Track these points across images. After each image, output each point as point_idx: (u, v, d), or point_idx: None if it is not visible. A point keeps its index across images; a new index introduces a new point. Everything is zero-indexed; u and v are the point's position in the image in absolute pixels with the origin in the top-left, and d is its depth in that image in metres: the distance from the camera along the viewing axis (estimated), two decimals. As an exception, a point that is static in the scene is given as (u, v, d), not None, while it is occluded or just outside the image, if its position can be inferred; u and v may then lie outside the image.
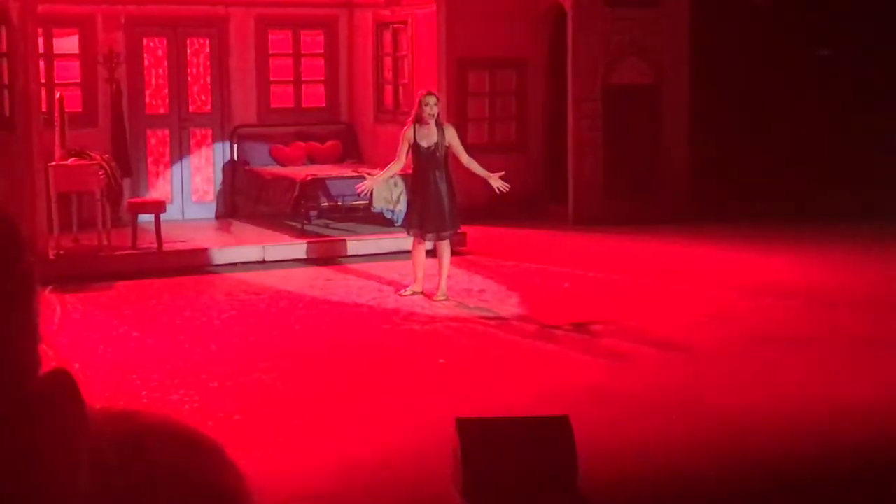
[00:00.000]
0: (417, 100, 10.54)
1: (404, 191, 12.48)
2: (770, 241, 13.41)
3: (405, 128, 10.58)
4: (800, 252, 12.79)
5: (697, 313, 10.09)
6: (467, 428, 5.85)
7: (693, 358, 8.72)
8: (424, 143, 10.39)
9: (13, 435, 0.87)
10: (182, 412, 7.29)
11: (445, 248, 10.63)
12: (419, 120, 10.38)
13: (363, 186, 10.98)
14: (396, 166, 10.70)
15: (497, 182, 10.58)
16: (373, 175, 11.01)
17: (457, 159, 10.57)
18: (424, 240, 10.65)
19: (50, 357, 0.94)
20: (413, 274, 10.83)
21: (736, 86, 15.83)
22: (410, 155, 10.54)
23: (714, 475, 6.45)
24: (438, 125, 10.42)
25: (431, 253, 10.77)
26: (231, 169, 14.61)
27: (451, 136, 10.49)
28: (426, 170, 10.44)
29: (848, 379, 8.10)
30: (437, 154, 10.40)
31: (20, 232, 0.93)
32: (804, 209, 15.03)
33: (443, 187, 10.46)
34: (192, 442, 0.98)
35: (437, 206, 10.47)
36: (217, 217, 14.49)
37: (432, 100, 10.39)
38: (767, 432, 7.02)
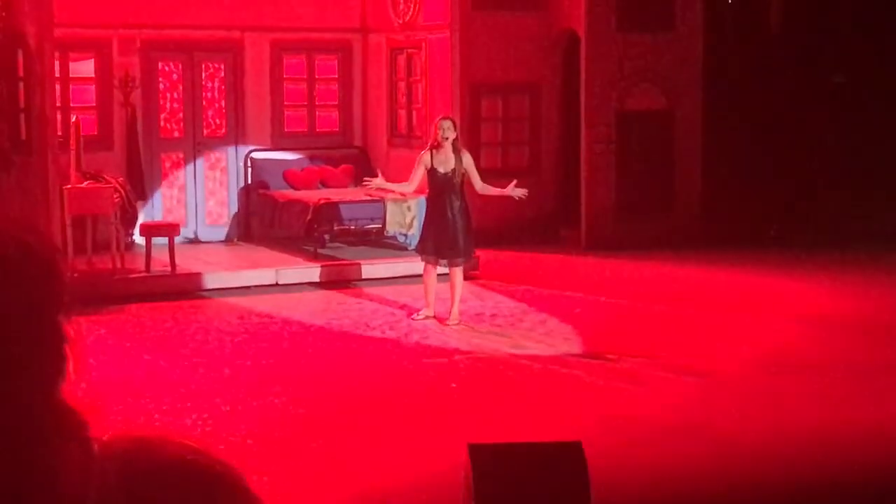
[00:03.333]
0: (434, 124, 10.60)
1: (417, 215, 12.52)
2: (784, 266, 13.38)
3: (423, 151, 10.63)
4: (814, 277, 12.76)
5: (710, 338, 10.07)
6: (479, 453, 5.84)
7: (706, 384, 8.70)
8: (441, 169, 10.43)
9: (29, 460, 0.89)
10: (194, 436, 7.30)
11: (458, 273, 10.64)
12: (435, 145, 10.42)
13: (372, 183, 10.90)
14: (407, 188, 10.75)
15: (515, 191, 10.59)
16: (383, 181, 10.87)
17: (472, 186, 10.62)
18: (437, 265, 10.67)
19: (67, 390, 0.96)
20: (425, 298, 10.84)
21: (749, 111, 15.83)
22: (425, 179, 10.58)
23: (727, 502, 6.43)
24: (456, 151, 10.45)
25: (443, 276, 10.78)
26: (244, 192, 14.66)
27: (468, 162, 10.54)
28: (442, 196, 10.47)
29: (862, 405, 8.07)
30: (454, 180, 10.44)
31: (64, 271, 0.94)
32: (818, 234, 15.00)
33: (459, 213, 10.49)
34: (206, 477, 0.98)
35: (451, 233, 10.49)
36: (226, 239, 14.51)
37: (447, 124, 10.45)
38: (780, 459, 6.99)
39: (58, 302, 0.94)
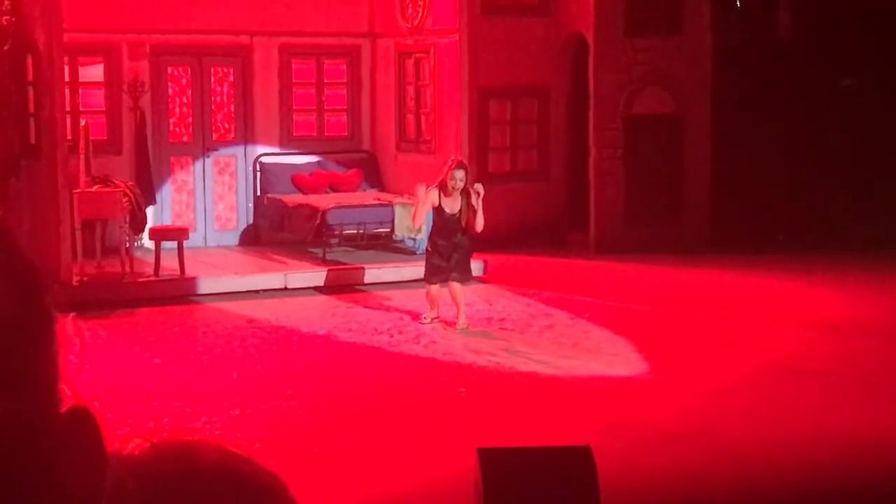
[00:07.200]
0: (447, 169, 10.56)
1: (426, 219, 12.54)
2: (793, 270, 13.36)
3: (430, 189, 10.63)
4: (823, 282, 12.74)
5: (719, 343, 10.05)
6: (488, 458, 5.84)
7: (715, 388, 8.69)
8: (448, 210, 10.55)
9: (31, 471, 0.89)
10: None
11: (455, 284, 10.68)
12: (444, 189, 10.46)
13: (419, 191, 10.82)
14: (415, 222, 10.98)
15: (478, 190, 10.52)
16: (423, 194, 10.80)
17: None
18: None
19: (69, 395, 0.96)
20: (431, 302, 10.85)
21: (758, 115, 15.81)
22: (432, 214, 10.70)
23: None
24: (464, 193, 10.46)
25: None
26: (253, 196, 14.69)
27: (480, 194, 10.48)
28: (448, 233, 10.61)
29: (872, 411, 8.05)
30: (461, 220, 10.52)
31: (39, 269, 0.96)
32: (827, 238, 14.97)
33: (461, 247, 10.63)
34: (249, 486, 0.98)
35: (453, 262, 10.61)
36: (240, 244, 14.56)
37: (459, 174, 10.45)
38: (789, 464, 6.98)
39: (38, 295, 0.94)
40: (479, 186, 10.52)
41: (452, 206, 10.53)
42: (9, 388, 0.89)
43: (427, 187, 10.73)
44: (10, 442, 0.88)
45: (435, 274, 10.72)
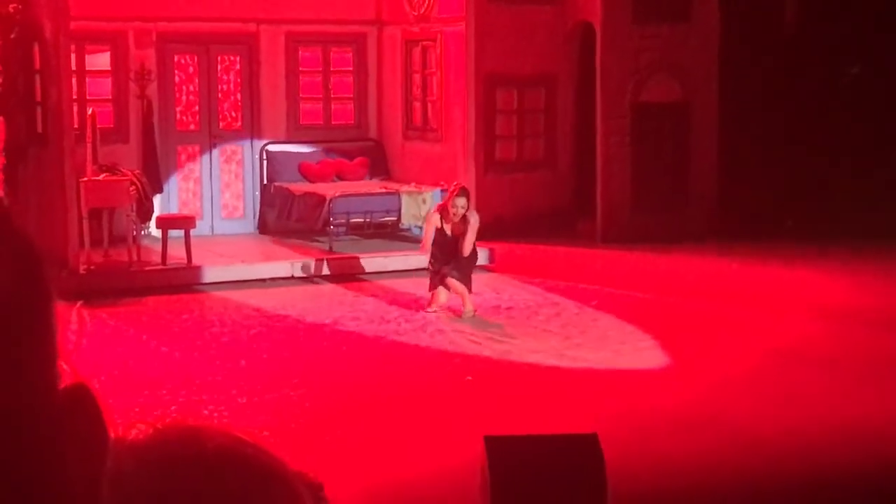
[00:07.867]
0: (449, 194, 10.68)
1: (432, 207, 12.55)
2: (801, 258, 13.33)
3: (434, 213, 10.87)
4: (831, 270, 12.71)
5: (726, 331, 10.04)
6: (495, 446, 5.83)
7: (722, 376, 8.68)
8: (448, 232, 10.70)
9: (32, 448, 0.89)
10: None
11: (453, 280, 10.71)
12: (446, 214, 10.54)
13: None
14: (422, 251, 11.00)
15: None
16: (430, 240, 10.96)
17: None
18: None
19: (68, 373, 0.96)
20: (436, 298, 10.86)
21: (765, 102, 15.77)
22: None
23: (743, 495, 6.42)
24: (464, 219, 10.54)
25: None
26: (260, 185, 14.69)
27: (472, 225, 10.53)
28: (448, 251, 10.72)
29: (880, 399, 8.04)
30: (460, 242, 10.63)
31: (39, 250, 0.95)
32: (835, 227, 14.94)
33: (461, 262, 10.68)
34: (258, 471, 0.97)
35: (452, 263, 10.65)
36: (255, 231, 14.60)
37: (461, 202, 10.58)
38: (796, 452, 6.98)
39: (38, 281, 0.94)
40: (472, 215, 10.62)
41: (452, 228, 10.66)
42: (8, 366, 0.88)
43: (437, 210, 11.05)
44: (9, 419, 0.88)
45: (435, 276, 10.79)
